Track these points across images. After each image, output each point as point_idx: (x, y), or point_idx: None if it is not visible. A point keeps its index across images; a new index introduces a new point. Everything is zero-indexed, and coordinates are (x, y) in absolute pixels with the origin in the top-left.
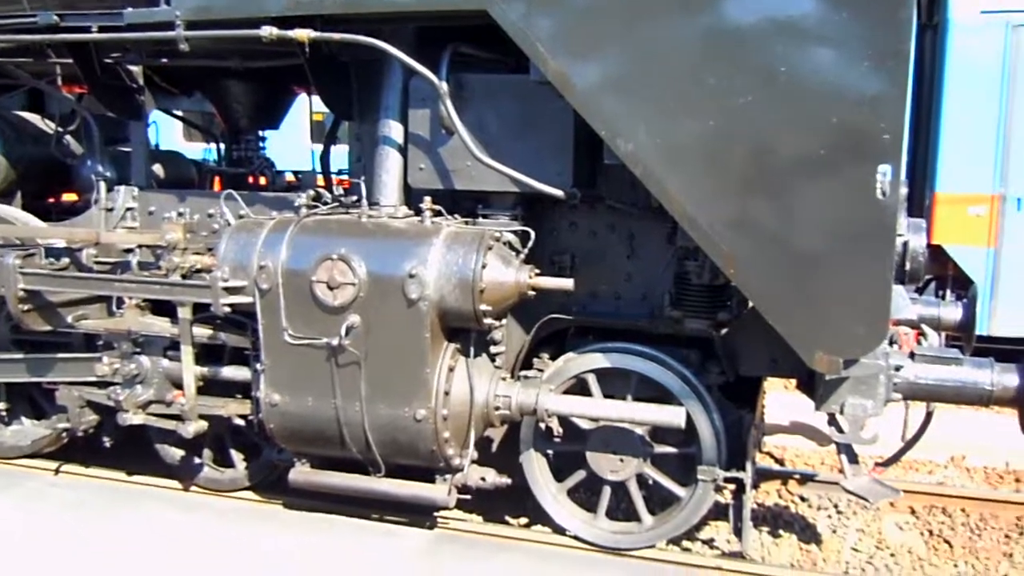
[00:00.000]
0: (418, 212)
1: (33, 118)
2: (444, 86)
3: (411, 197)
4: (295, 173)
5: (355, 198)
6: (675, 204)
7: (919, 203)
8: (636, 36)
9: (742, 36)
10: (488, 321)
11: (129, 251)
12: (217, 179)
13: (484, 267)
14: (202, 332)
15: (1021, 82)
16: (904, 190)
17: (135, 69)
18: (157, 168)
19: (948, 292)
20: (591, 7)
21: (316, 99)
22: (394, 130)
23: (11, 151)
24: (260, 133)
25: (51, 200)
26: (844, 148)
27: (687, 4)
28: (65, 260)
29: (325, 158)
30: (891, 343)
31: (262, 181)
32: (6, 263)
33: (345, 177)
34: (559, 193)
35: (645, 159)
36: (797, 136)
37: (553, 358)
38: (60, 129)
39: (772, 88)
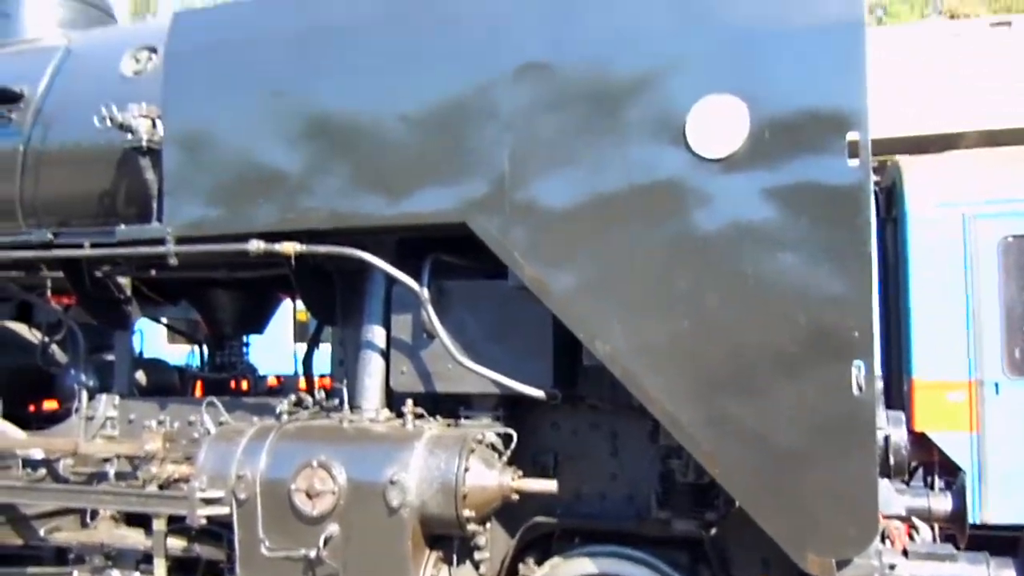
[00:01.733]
0: (400, 415)
1: (20, 328)
2: (425, 293)
3: (393, 401)
4: (277, 376)
5: (336, 402)
6: (655, 404)
7: (898, 390)
8: (607, 242)
9: (708, 241)
10: (472, 527)
11: (107, 461)
12: (199, 384)
13: (467, 471)
14: (176, 544)
15: (983, 270)
16: (880, 384)
17: (123, 280)
18: (140, 375)
19: (936, 478)
20: (564, 216)
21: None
22: (377, 335)
23: None
24: (244, 338)
25: (32, 409)
26: (816, 346)
27: (653, 212)
28: (42, 471)
29: (308, 361)
30: (883, 540)
31: (244, 386)
32: None
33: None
34: (540, 394)
35: (623, 360)
36: (769, 336)
37: (539, 563)
38: (46, 339)
39: (741, 290)
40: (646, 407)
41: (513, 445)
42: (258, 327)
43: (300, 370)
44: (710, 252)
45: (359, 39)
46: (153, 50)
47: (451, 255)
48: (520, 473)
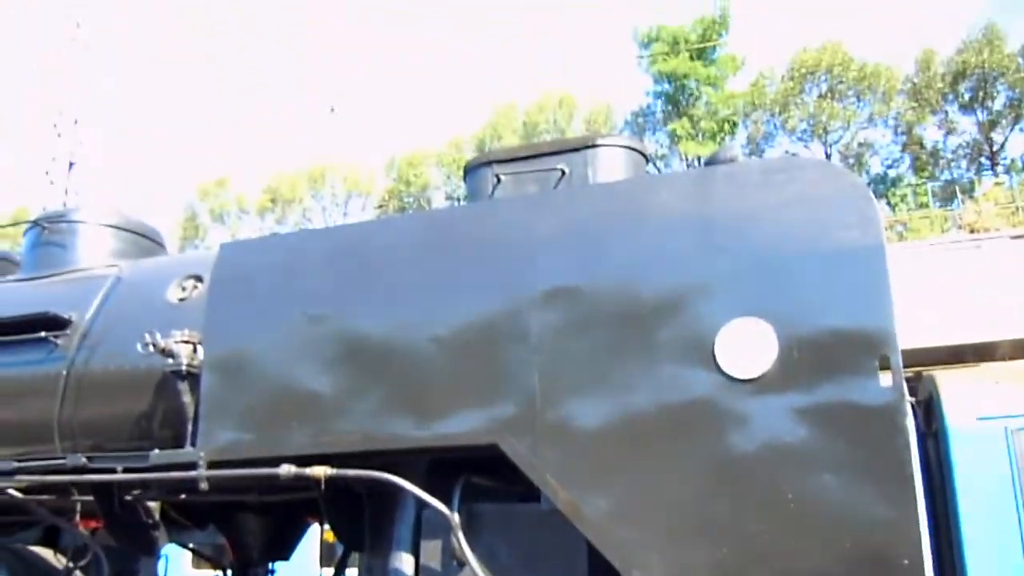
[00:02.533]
0: None
1: (45, 553)
2: (456, 517)
3: None
4: None
5: None
6: None
7: None
8: (641, 465)
9: (745, 463)
10: None
11: None
12: None
13: None
14: None
15: None
16: None
17: (152, 504)
18: None
19: None
20: (596, 438)
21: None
22: (405, 563)
23: None
24: (269, 564)
25: None
26: (863, 573)
27: (687, 433)
28: None
29: None
30: None
31: None
32: None
33: None
34: None
35: None
36: (815, 562)
37: None
38: (71, 564)
39: (782, 514)
40: None
41: None
42: (285, 553)
43: None
44: (748, 475)
45: (393, 265)
46: (199, 278)
47: (483, 477)
48: None
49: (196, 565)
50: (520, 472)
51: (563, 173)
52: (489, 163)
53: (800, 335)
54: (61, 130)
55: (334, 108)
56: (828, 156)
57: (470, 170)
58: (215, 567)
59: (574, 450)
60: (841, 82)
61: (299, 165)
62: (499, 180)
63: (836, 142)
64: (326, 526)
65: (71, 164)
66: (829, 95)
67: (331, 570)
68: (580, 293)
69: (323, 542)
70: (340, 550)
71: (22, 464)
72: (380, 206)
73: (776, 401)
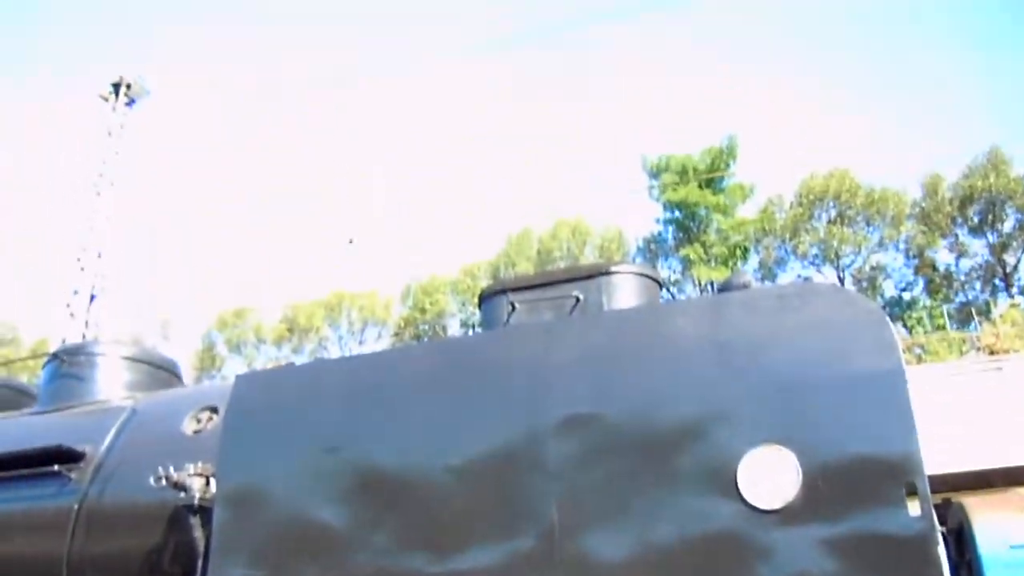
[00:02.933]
0: None
1: None
2: None
3: None
4: None
5: None
6: None
7: None
8: None
9: None
10: None
11: None
12: None
13: None
14: None
15: None
16: None
17: None
18: None
19: None
20: (617, 569)
21: None
22: None
23: None
24: None
25: None
26: None
27: (711, 565)
28: None
29: None
30: None
31: None
32: None
33: None
34: None
35: None
36: None
37: None
38: None
39: None
40: None
41: None
42: None
43: None
44: None
45: (408, 395)
46: (214, 410)
47: None
48: None
49: None
50: None
51: (577, 300)
52: (504, 291)
53: (824, 463)
54: (84, 264)
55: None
56: (841, 280)
57: (485, 298)
58: None
59: None
60: (850, 207)
61: (317, 294)
62: (514, 307)
63: (848, 266)
64: None
65: (92, 297)
66: (839, 220)
67: None
68: (598, 421)
69: None
70: None
71: None
72: (396, 334)
73: (801, 532)
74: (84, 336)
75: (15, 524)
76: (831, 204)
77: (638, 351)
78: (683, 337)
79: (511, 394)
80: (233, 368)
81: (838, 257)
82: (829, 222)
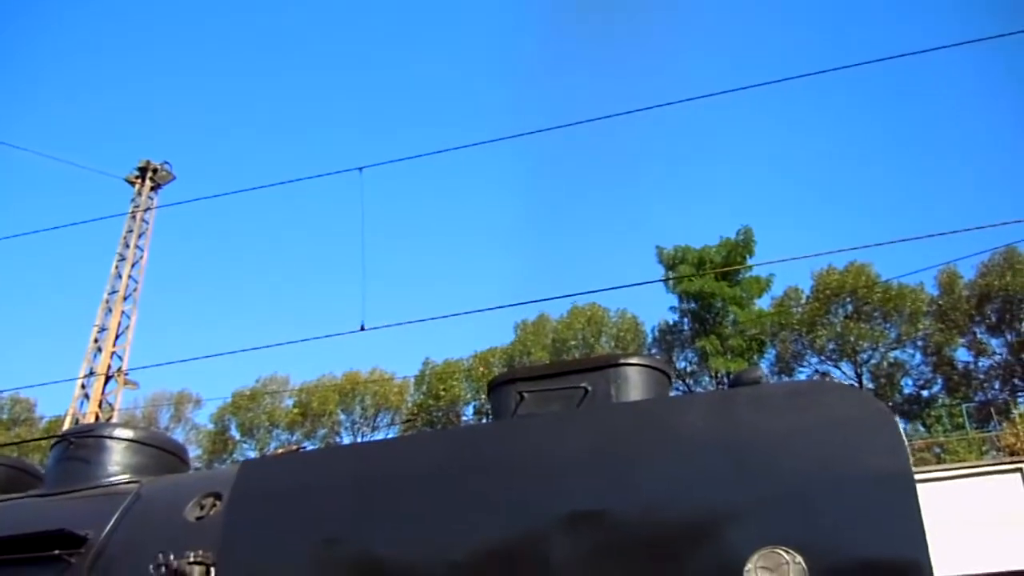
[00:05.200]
0: None
1: None
2: None
3: None
4: None
5: None
6: None
7: None
8: None
9: None
10: None
11: None
12: None
13: None
14: None
15: None
16: None
17: None
18: None
19: None
20: None
21: None
22: None
23: None
24: None
25: None
26: None
27: None
28: None
29: None
30: None
31: None
32: None
33: None
34: None
35: None
36: None
37: None
38: None
39: None
40: None
41: None
42: None
43: None
44: None
45: (412, 486)
46: (218, 496)
47: None
48: None
49: None
50: None
51: (586, 392)
52: (513, 380)
53: (831, 566)
54: (102, 344)
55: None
56: (859, 376)
57: (494, 387)
58: None
59: None
60: (867, 303)
61: (330, 378)
62: (523, 397)
63: (866, 362)
64: None
65: (108, 378)
66: (856, 316)
67: None
68: (603, 518)
69: None
70: None
71: None
72: (407, 420)
73: None
74: (98, 416)
75: None
76: (848, 299)
77: (646, 446)
78: (692, 432)
79: (516, 487)
80: (245, 452)
81: (855, 352)
82: (846, 317)
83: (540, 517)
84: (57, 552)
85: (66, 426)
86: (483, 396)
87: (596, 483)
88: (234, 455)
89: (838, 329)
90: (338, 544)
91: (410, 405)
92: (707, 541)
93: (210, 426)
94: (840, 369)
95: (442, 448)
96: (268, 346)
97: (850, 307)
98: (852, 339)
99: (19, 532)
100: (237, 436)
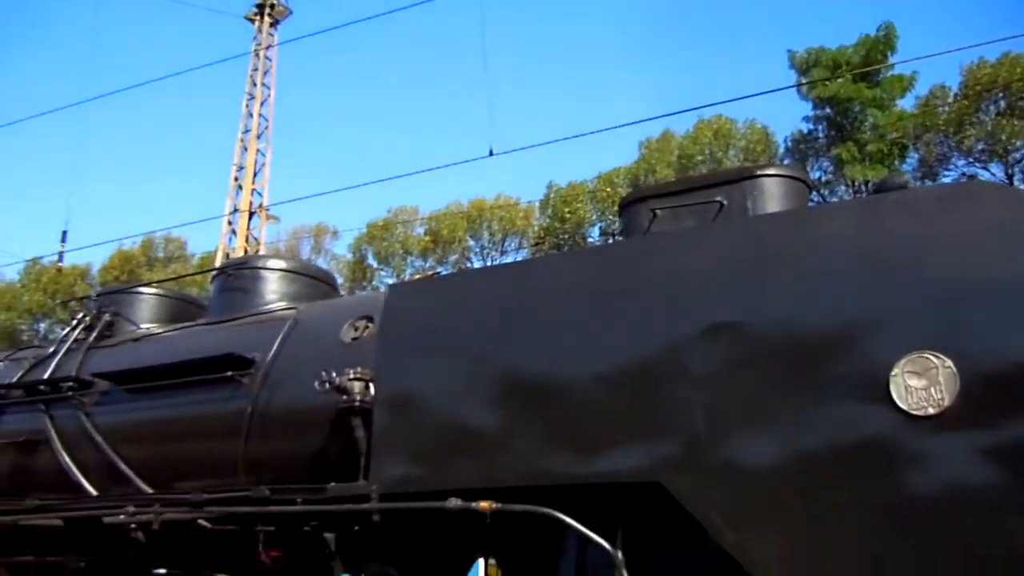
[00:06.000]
0: None
1: None
2: (619, 556)
3: None
4: None
5: None
6: None
7: None
8: (815, 505)
9: (927, 506)
10: None
11: None
12: None
13: None
14: None
15: None
16: None
17: (328, 536)
18: None
19: None
20: (765, 477)
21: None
22: None
23: None
24: None
25: None
26: None
27: (864, 473)
28: None
29: None
30: None
31: None
32: None
33: None
34: None
35: None
36: None
37: None
38: None
39: (964, 558)
40: None
41: None
42: None
43: None
44: (928, 517)
45: (554, 303)
46: (370, 319)
47: (645, 515)
48: None
49: None
50: (684, 511)
51: (721, 206)
52: (644, 198)
53: (982, 370)
54: (242, 183)
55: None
56: (1010, 178)
57: (626, 206)
58: None
59: (741, 490)
60: (1021, 98)
61: (458, 206)
62: (655, 215)
63: (1019, 162)
64: (490, 561)
65: (251, 214)
66: (1009, 112)
67: None
68: (745, 329)
69: None
70: None
71: (211, 496)
72: (536, 244)
73: (957, 439)
74: (245, 251)
75: (197, 424)
76: (1000, 95)
77: (786, 257)
78: (835, 242)
79: (654, 302)
80: (383, 279)
81: (1007, 152)
82: (998, 114)
83: (679, 330)
84: (230, 373)
85: (217, 261)
86: (608, 217)
87: (735, 295)
88: (373, 282)
89: (988, 128)
90: (486, 360)
91: (536, 229)
92: (850, 348)
93: (348, 256)
94: (989, 171)
95: (582, 267)
96: (399, 176)
97: (1003, 103)
98: (1004, 137)
99: (195, 357)
100: (374, 264)
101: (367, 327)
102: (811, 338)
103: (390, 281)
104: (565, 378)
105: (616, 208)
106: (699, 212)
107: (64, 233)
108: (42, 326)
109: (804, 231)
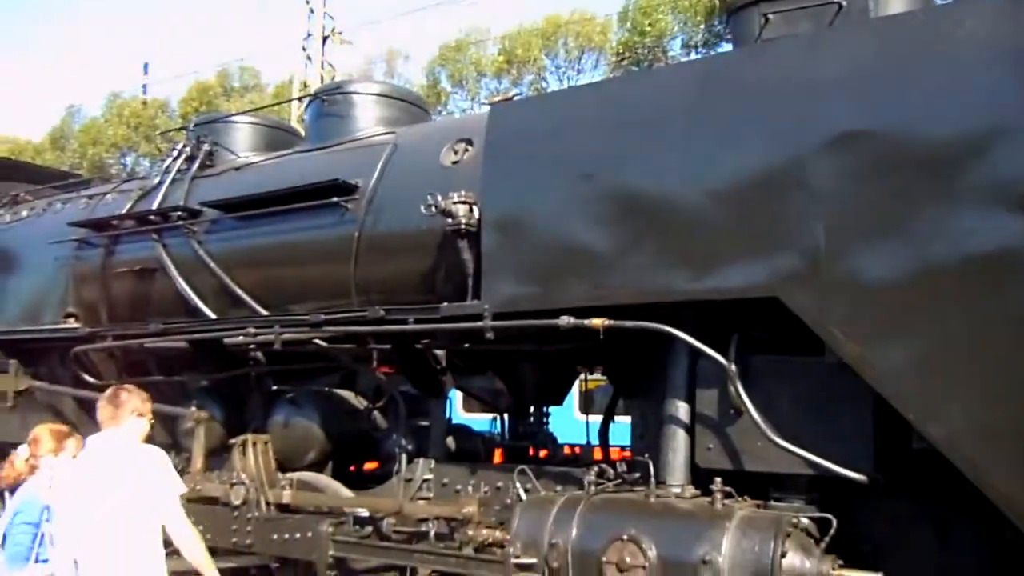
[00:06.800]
0: (705, 493)
1: (347, 395)
2: (733, 368)
3: (697, 477)
4: (570, 446)
5: (637, 475)
6: (1001, 496)
7: None
8: (941, 316)
9: None
10: None
11: (423, 522)
12: (498, 451)
13: (783, 556)
14: None
15: None
16: None
17: (439, 353)
18: (449, 441)
19: None
20: (888, 290)
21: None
22: (680, 409)
23: (330, 425)
24: (544, 409)
25: (351, 469)
26: None
27: (993, 284)
28: (368, 529)
29: (604, 433)
30: None
31: (542, 454)
32: (320, 531)
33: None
34: (860, 478)
35: (962, 446)
36: None
37: None
38: (370, 406)
39: None
40: (989, 497)
41: (832, 531)
42: (558, 398)
43: (596, 442)
44: None
45: (665, 118)
46: (469, 141)
47: (759, 329)
48: (840, 562)
49: (467, 409)
50: (798, 325)
51: (839, 7)
52: (756, 2)
53: None
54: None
55: None
56: None
57: (734, 12)
58: (491, 411)
59: (864, 302)
60: None
61: (531, 23)
62: (767, 20)
63: None
64: (593, 374)
65: (325, 39)
66: None
67: (591, 417)
68: (869, 138)
69: (583, 391)
70: (598, 395)
71: (329, 316)
72: (619, 60)
73: None
74: (322, 78)
75: (307, 250)
76: None
77: (916, 62)
78: (969, 43)
79: (771, 113)
80: (457, 102)
81: None
82: None
83: (799, 141)
84: (335, 199)
85: (294, 90)
86: (691, 28)
87: (862, 103)
88: (447, 105)
89: None
90: (595, 178)
91: (614, 45)
92: (984, 157)
93: (422, 80)
94: None
95: (690, 79)
96: None
97: None
98: None
99: (298, 184)
100: (448, 88)
101: (467, 150)
102: (943, 146)
103: (464, 105)
104: (678, 193)
105: (700, 20)
106: (815, 15)
107: (146, 65)
108: (128, 160)
109: (934, 33)
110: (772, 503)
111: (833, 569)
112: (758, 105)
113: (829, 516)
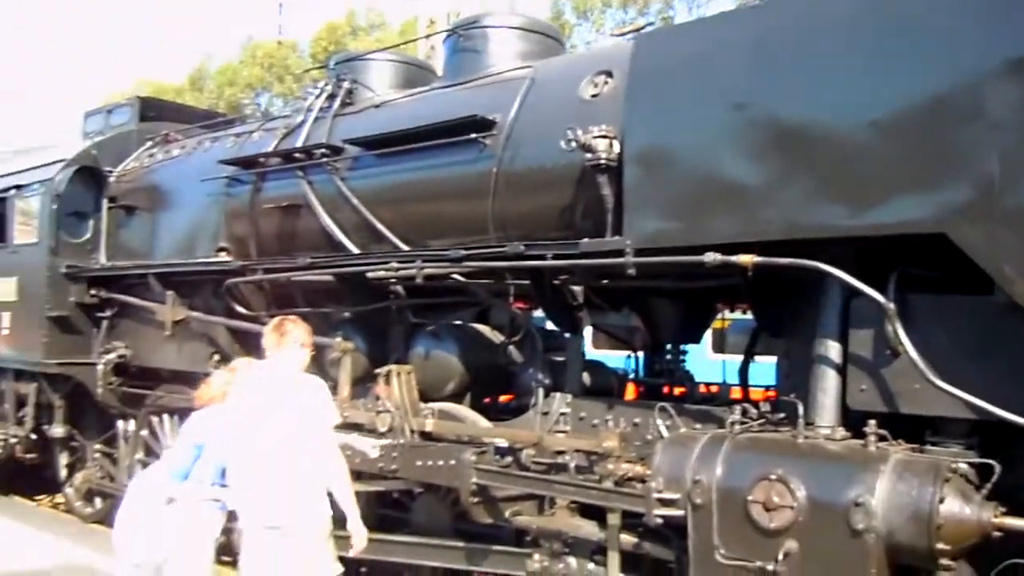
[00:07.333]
0: (856, 435)
1: (484, 329)
2: (892, 307)
3: (848, 419)
4: (706, 385)
5: (782, 416)
6: None
7: None
8: None
9: None
10: (944, 562)
11: (560, 454)
12: (633, 387)
13: (942, 501)
14: (627, 540)
15: None
16: None
17: (576, 288)
18: (584, 376)
19: None
20: None
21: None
22: (832, 349)
23: (468, 358)
24: (681, 346)
25: (487, 400)
26: None
27: None
28: (508, 459)
29: (744, 372)
30: None
31: (677, 392)
32: (464, 459)
33: (760, 390)
34: None
35: None
36: None
37: None
38: (506, 340)
39: None
40: None
41: (995, 478)
42: (696, 336)
43: (736, 381)
44: None
45: (820, 44)
46: (609, 74)
47: (919, 267)
48: (1003, 509)
49: (596, 345)
50: (963, 262)
51: None
52: None
53: None
54: None
55: None
56: None
57: None
58: (625, 348)
59: None
60: None
61: None
62: None
63: None
64: (734, 312)
65: None
66: None
67: (725, 356)
68: None
69: (715, 329)
70: (730, 334)
71: (469, 252)
72: None
73: None
74: (448, 16)
75: (446, 186)
76: None
77: None
78: None
79: (940, 37)
80: (582, 35)
81: None
82: None
83: (974, 66)
84: (474, 135)
85: (421, 28)
86: None
87: None
88: (572, 38)
89: None
90: (746, 109)
91: None
92: None
93: (547, 12)
94: None
95: (847, 1)
96: None
97: None
98: None
99: (437, 121)
100: (572, 20)
101: (607, 83)
102: None
103: (589, 37)
104: (835, 123)
105: None
106: None
107: (280, 5)
108: (262, 100)
109: None
110: (928, 447)
111: (995, 515)
112: (926, 28)
113: (992, 462)
